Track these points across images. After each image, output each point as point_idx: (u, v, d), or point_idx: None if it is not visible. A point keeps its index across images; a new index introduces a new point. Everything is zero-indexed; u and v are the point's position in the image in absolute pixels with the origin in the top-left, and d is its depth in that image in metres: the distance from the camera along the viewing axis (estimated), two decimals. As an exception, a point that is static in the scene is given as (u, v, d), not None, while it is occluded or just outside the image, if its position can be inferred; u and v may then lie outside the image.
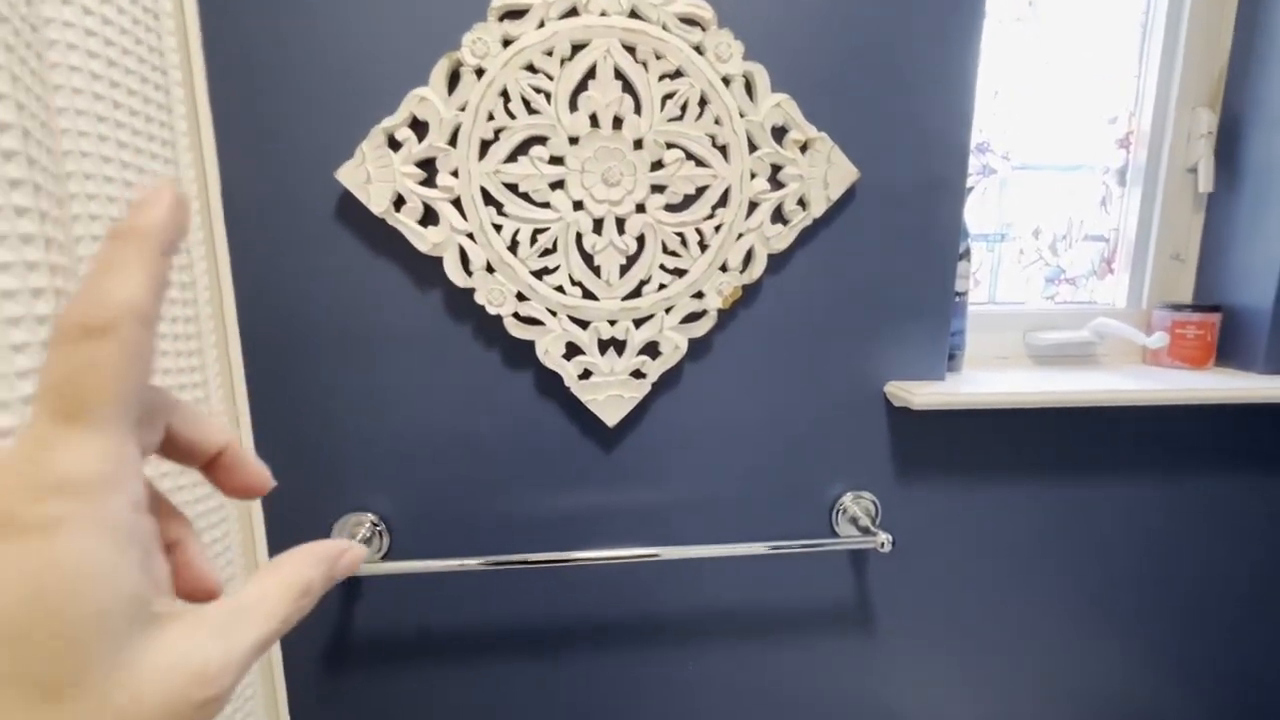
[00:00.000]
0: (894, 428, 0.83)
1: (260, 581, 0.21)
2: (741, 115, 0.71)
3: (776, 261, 0.76)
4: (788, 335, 0.78)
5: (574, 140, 0.69)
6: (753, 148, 0.72)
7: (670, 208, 0.72)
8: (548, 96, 0.68)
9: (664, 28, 0.67)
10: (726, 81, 0.70)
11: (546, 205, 0.70)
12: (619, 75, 0.68)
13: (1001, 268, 1.01)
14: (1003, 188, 0.98)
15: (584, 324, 0.73)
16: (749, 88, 0.71)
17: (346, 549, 0.25)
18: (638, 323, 0.74)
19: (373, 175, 0.67)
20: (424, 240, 0.69)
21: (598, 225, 0.71)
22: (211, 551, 0.64)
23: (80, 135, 0.48)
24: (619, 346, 0.75)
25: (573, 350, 0.74)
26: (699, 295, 0.74)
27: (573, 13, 0.67)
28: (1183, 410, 0.88)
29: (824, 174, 0.73)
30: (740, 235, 0.73)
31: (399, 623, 0.80)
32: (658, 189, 0.72)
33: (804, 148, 0.73)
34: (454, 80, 0.67)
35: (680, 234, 0.73)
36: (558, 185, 0.70)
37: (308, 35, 0.66)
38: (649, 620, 0.84)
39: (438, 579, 0.80)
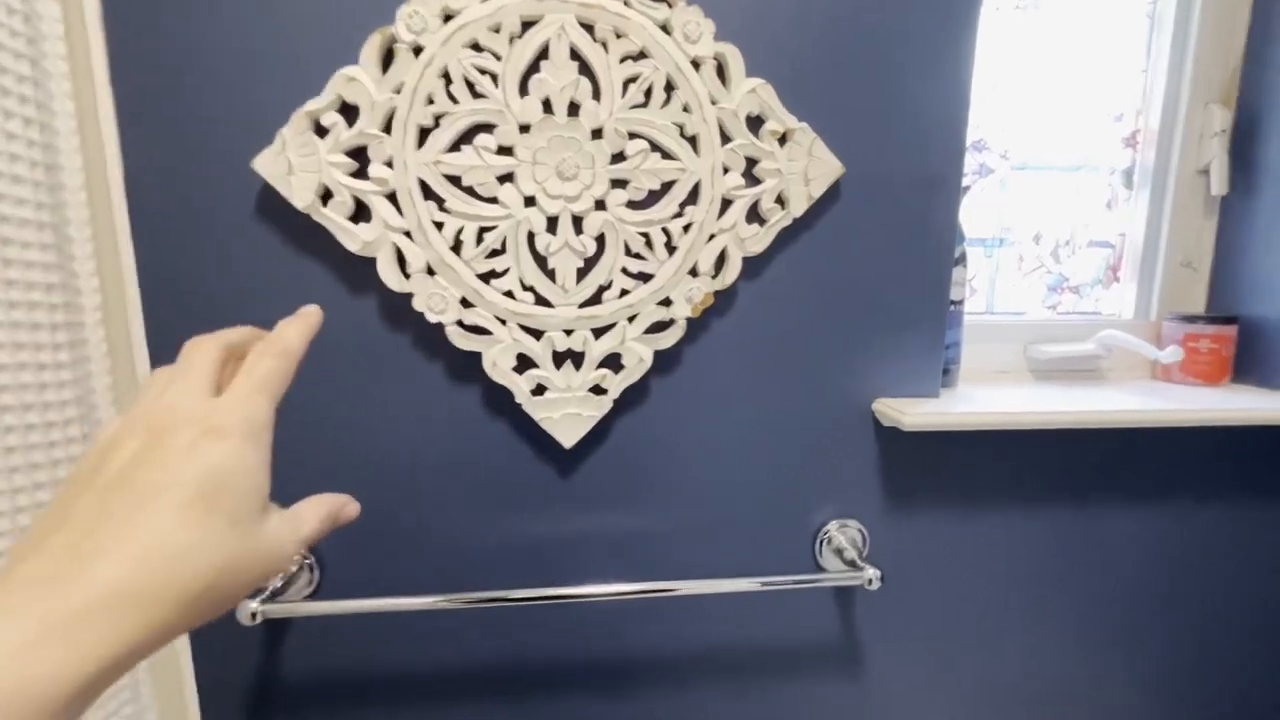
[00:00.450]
0: (883, 449, 0.75)
1: (301, 505, 0.33)
2: (713, 102, 0.63)
3: (753, 265, 0.68)
4: (765, 347, 0.71)
5: (524, 128, 0.62)
6: (725, 139, 0.65)
7: (633, 205, 0.65)
8: (494, 78, 0.60)
9: (625, 3, 0.60)
10: (696, 64, 0.62)
11: (494, 200, 0.63)
12: (575, 55, 0.61)
13: (1000, 275, 0.93)
14: (1001, 189, 0.91)
15: (537, 334, 0.66)
16: (721, 72, 0.64)
17: (346, 502, 0.36)
18: (597, 333, 0.67)
19: (295, 165, 0.59)
20: (354, 239, 0.61)
21: (552, 224, 0.64)
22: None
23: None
24: (576, 359, 0.67)
25: (525, 363, 0.66)
26: (666, 302, 0.67)
27: (522, -16, 0.59)
28: (1198, 431, 0.80)
29: (805, 169, 0.66)
30: (712, 236, 0.66)
31: (330, 670, 0.72)
32: (619, 184, 0.64)
33: (783, 139, 0.66)
34: (388, 59, 0.60)
35: (644, 234, 0.65)
36: (506, 178, 0.62)
37: (221, 6, 0.59)
38: (614, 661, 0.76)
39: (375, 620, 0.71)
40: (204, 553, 0.24)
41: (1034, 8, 0.87)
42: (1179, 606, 0.85)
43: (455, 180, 0.62)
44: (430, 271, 0.63)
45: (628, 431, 0.71)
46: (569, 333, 0.66)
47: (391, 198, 0.61)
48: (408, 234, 0.62)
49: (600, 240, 0.65)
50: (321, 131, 0.60)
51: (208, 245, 0.62)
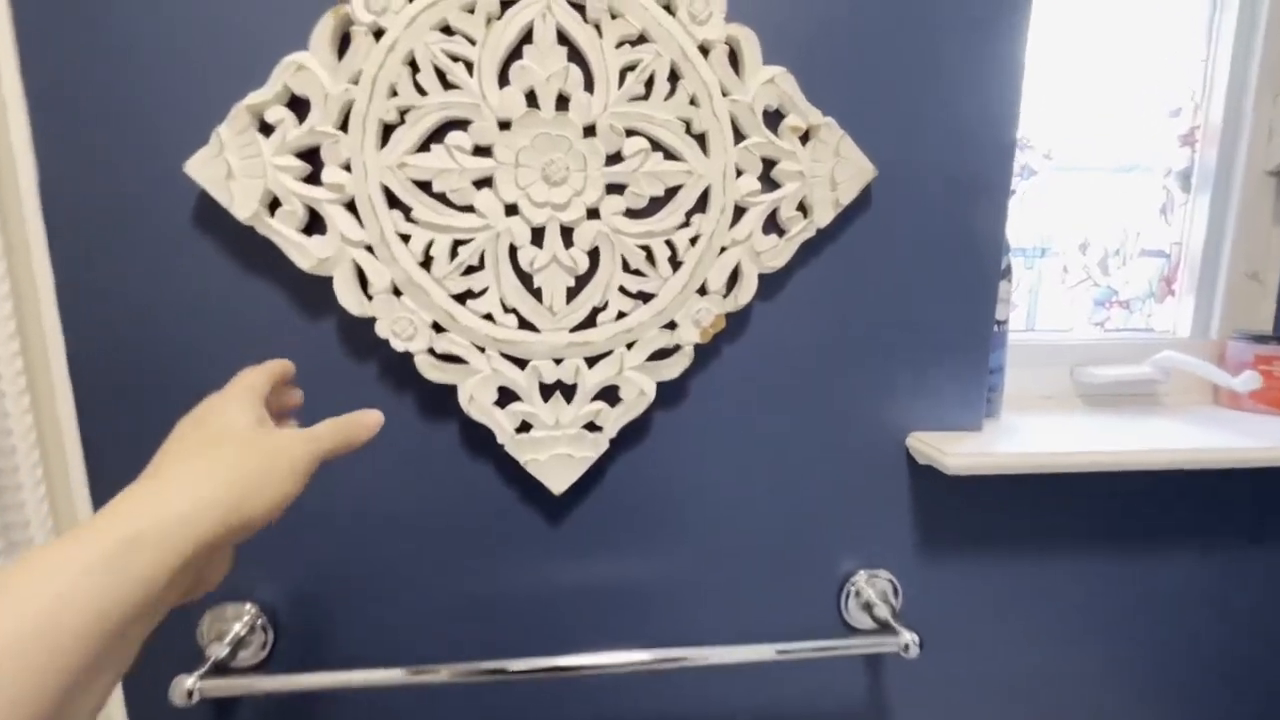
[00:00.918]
0: (917, 490, 0.66)
1: (320, 425, 0.36)
2: (724, 94, 0.54)
3: (770, 283, 0.59)
4: (784, 376, 0.62)
5: (505, 125, 0.53)
6: (739, 136, 0.56)
7: (632, 213, 0.56)
8: (469, 67, 0.52)
9: (622, -23, 0.51)
10: (704, 50, 0.54)
11: (469, 209, 0.54)
12: (563, 40, 0.52)
13: (1042, 288, 0.84)
14: (1044, 193, 0.82)
15: (521, 363, 0.57)
16: (734, 59, 0.55)
17: (363, 416, 0.39)
18: (591, 361, 0.58)
19: (236, 169, 0.51)
20: (306, 255, 0.52)
21: (537, 235, 0.55)
22: None
23: None
24: (567, 392, 0.58)
25: (507, 396, 0.57)
26: (671, 326, 0.58)
27: (500, -44, 0.51)
28: (1275, 469, 0.71)
29: (831, 171, 0.57)
30: (723, 249, 0.57)
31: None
32: (615, 189, 0.55)
33: (805, 137, 0.57)
34: (343, 44, 0.51)
35: (645, 247, 0.56)
36: (484, 183, 0.54)
37: (148, -17, 0.50)
38: (611, 731, 0.67)
39: (335, 698, 0.62)
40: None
41: (1082, -10, 0.78)
42: (1252, 663, 0.76)
43: (424, 186, 0.53)
44: (396, 292, 0.54)
45: (626, 474, 0.62)
46: (558, 362, 0.57)
47: (350, 206, 0.53)
48: (369, 248, 0.53)
49: (594, 255, 0.56)
50: (266, 129, 0.51)
51: (136, 262, 0.54)
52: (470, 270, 0.55)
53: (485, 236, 0.54)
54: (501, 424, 0.57)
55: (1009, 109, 0.59)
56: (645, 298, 0.57)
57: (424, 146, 0.53)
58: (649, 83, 0.53)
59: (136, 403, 0.56)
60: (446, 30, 0.51)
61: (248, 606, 0.60)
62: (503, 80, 0.52)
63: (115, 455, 0.56)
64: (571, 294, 0.56)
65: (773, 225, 0.58)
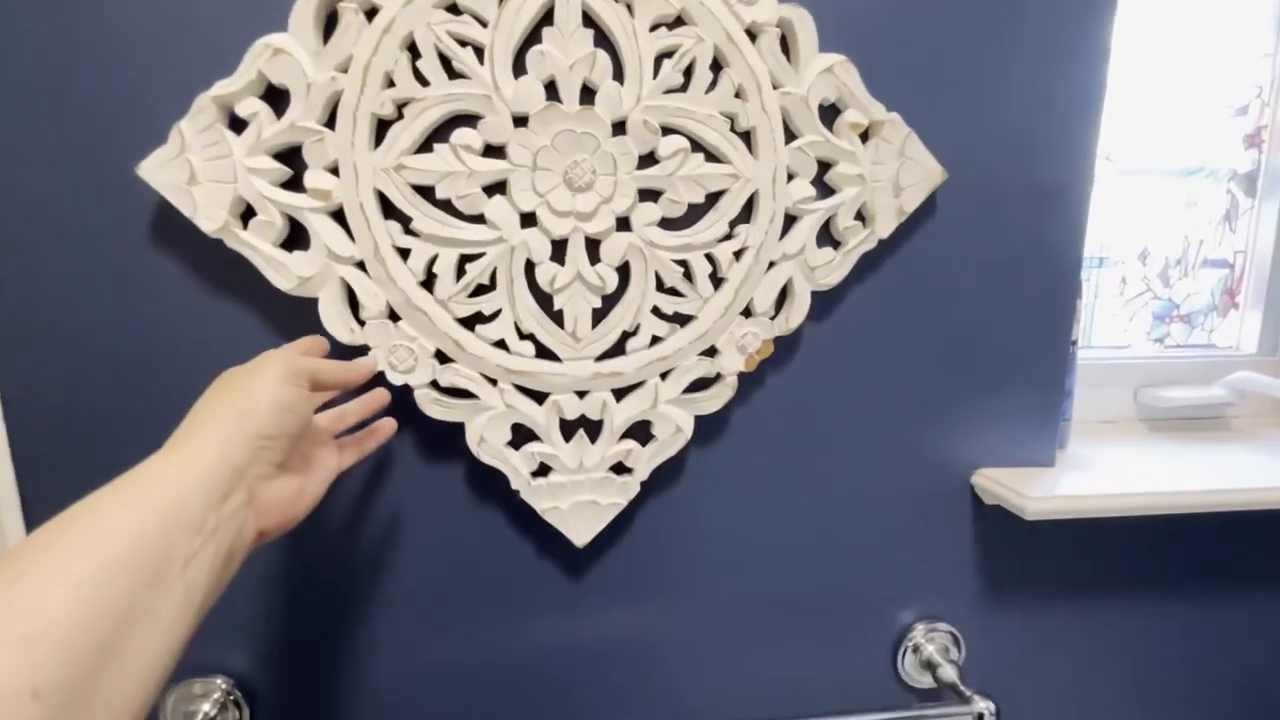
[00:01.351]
0: (981, 532, 0.59)
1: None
2: (775, 85, 0.47)
3: (824, 302, 0.52)
4: (836, 407, 0.54)
5: (521, 121, 0.45)
6: (791, 135, 0.48)
7: (668, 223, 0.48)
8: (479, 52, 0.44)
9: (658, -53, 0.44)
10: (753, 35, 0.46)
11: (479, 219, 0.46)
12: (589, 21, 0.45)
13: (1099, 302, 0.77)
14: (1104, 198, 0.75)
15: (539, 397, 0.49)
16: (786, 45, 0.47)
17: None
18: (620, 394, 0.50)
19: (200, 172, 0.43)
20: (286, 273, 0.44)
21: (559, 250, 0.47)
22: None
23: None
24: (592, 430, 0.50)
25: (523, 435, 0.49)
26: (711, 353, 0.50)
27: (516, -79, 0.43)
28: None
29: (895, 174, 0.49)
30: (772, 264, 0.49)
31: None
32: (649, 195, 0.47)
33: (865, 136, 0.49)
34: (330, 24, 0.43)
35: (682, 262, 0.48)
36: (496, 189, 0.46)
37: (95, -49, 0.42)
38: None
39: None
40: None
41: (1144, -23, 0.71)
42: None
43: (426, 192, 0.45)
44: (393, 316, 0.46)
45: (657, 520, 0.54)
46: (582, 395, 0.49)
47: (338, 216, 0.45)
48: (361, 265, 0.45)
49: (623, 271, 0.48)
50: (237, 125, 0.43)
51: (83, 278, 0.46)
52: (480, 290, 0.47)
53: (498, 251, 0.46)
54: (516, 467, 0.49)
55: (1091, 110, 0.52)
56: (683, 320, 0.49)
57: (425, 146, 0.45)
58: (688, 72, 0.46)
59: (78, 431, 0.47)
60: (453, 9, 0.43)
61: (218, 681, 0.52)
62: (518, 68, 0.45)
63: (50, 485, 0.47)
64: (598, 317, 0.48)
65: (827, 236, 0.51)
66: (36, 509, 0.48)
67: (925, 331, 0.54)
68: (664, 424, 0.50)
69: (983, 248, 0.53)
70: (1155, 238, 0.77)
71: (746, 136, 0.48)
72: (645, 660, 0.56)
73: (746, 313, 0.50)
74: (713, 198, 0.48)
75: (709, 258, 0.49)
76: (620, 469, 0.51)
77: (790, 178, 0.48)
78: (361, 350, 0.46)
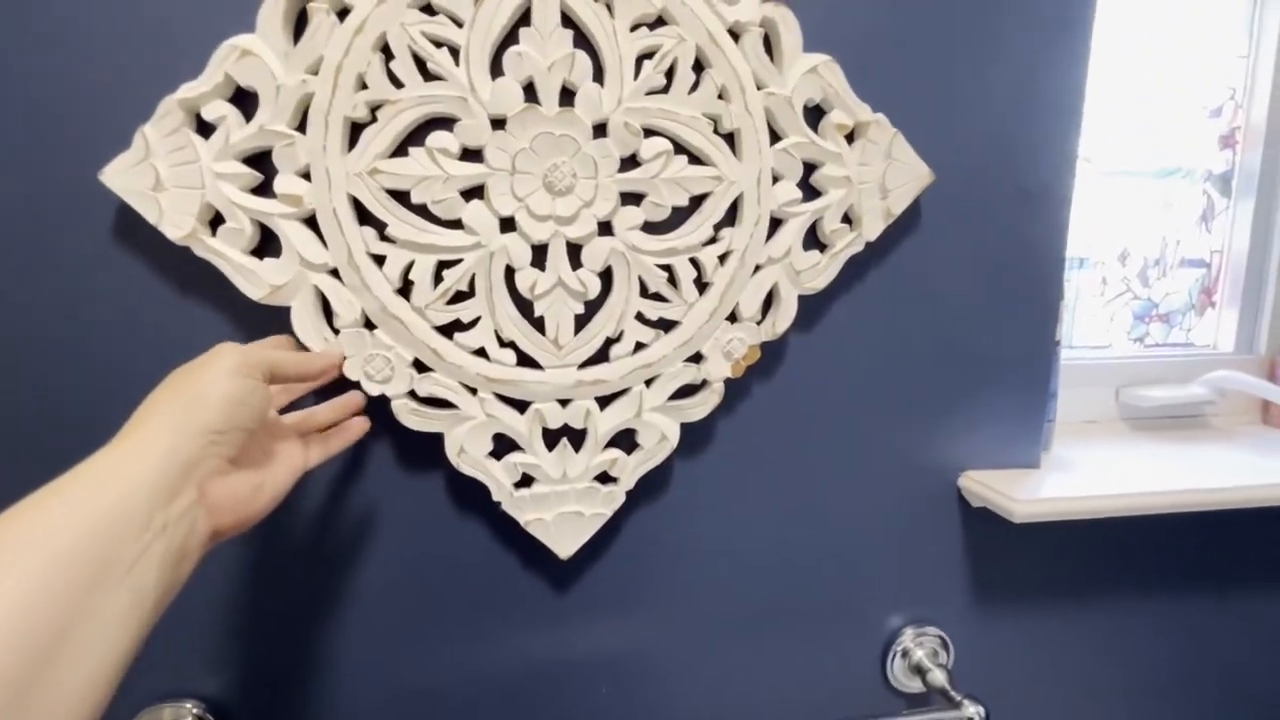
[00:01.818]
0: (969, 536, 0.59)
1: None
2: (759, 86, 0.46)
3: (811, 306, 0.51)
4: (824, 412, 0.54)
5: (499, 123, 0.44)
6: (776, 136, 0.47)
7: (651, 227, 0.47)
8: (455, 53, 0.43)
9: (638, -54, 0.43)
10: (735, 35, 0.45)
11: (457, 225, 0.45)
12: (568, 21, 0.44)
13: (1079, 302, 0.77)
14: (1083, 199, 0.75)
15: (521, 406, 0.48)
16: (770, 45, 0.47)
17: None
18: (604, 402, 0.49)
19: (166, 178, 0.41)
20: (257, 281, 0.43)
21: (539, 255, 0.46)
22: None
23: None
24: (575, 439, 0.49)
25: (504, 445, 0.48)
26: (696, 359, 0.49)
27: (492, -82, 0.42)
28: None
29: (882, 176, 0.49)
30: (758, 268, 0.49)
31: None
32: (631, 199, 0.47)
33: (851, 137, 0.49)
34: (300, 24, 0.42)
35: (667, 266, 0.48)
36: (474, 193, 0.45)
37: (51, -52, 0.40)
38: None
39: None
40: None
41: (1120, -20, 0.72)
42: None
43: (401, 197, 0.44)
44: (369, 324, 0.45)
45: (643, 530, 0.53)
46: (565, 404, 0.48)
47: (310, 222, 0.43)
48: (335, 273, 0.44)
49: (606, 277, 0.47)
50: (205, 129, 0.42)
51: (42, 288, 0.44)
52: (458, 297, 0.46)
53: (476, 257, 0.45)
54: (498, 478, 0.48)
55: (1072, 112, 0.52)
56: (667, 326, 0.49)
57: (400, 150, 0.44)
58: (670, 73, 0.45)
59: (39, 443, 0.45)
60: (427, 9, 0.42)
61: (189, 705, 0.50)
62: (496, 70, 0.44)
63: (9, 496, 0.45)
64: (580, 323, 0.47)
65: (814, 239, 0.50)
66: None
67: (911, 334, 0.54)
68: (649, 432, 0.49)
69: (967, 250, 0.53)
70: (1134, 238, 0.78)
71: (730, 138, 0.47)
72: (634, 672, 0.55)
73: (732, 318, 0.49)
74: (696, 201, 0.47)
75: (693, 262, 0.48)
76: (605, 479, 0.50)
77: (775, 180, 0.48)
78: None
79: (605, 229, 0.46)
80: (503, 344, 0.47)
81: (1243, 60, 0.75)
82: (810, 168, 0.49)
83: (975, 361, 0.55)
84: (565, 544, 0.50)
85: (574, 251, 0.46)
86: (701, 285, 0.48)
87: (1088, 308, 0.78)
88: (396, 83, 0.42)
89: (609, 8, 0.44)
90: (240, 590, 0.49)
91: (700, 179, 0.47)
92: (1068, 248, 0.56)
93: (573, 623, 0.53)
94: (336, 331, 0.44)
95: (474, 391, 0.47)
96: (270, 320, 0.44)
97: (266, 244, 0.44)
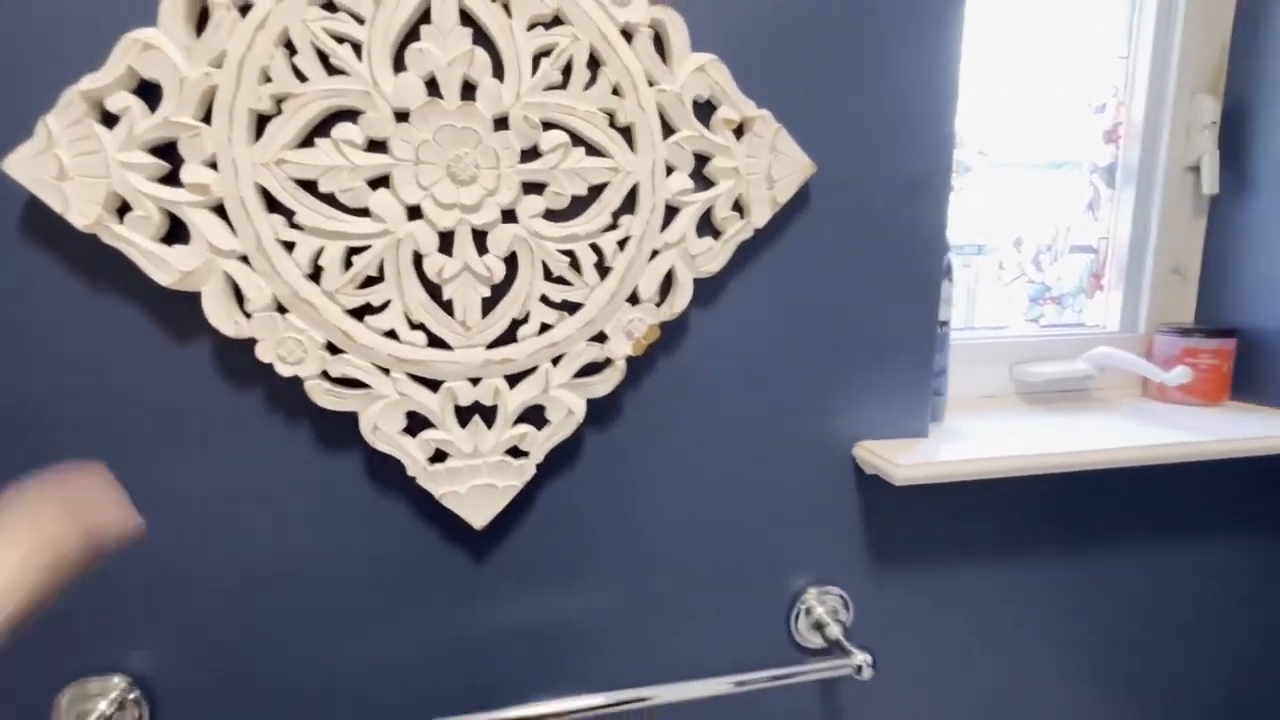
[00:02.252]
0: (866, 501, 0.63)
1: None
2: (651, 83, 0.49)
3: (706, 288, 0.55)
4: (723, 388, 0.57)
5: (402, 116, 0.46)
6: (669, 130, 0.51)
7: (553, 215, 0.50)
8: (357, 49, 0.45)
9: (531, -50, 0.46)
10: (627, 34, 0.49)
11: (364, 213, 0.47)
12: (467, 19, 0.46)
13: (978, 286, 0.83)
14: (980, 189, 0.81)
15: (433, 385, 0.50)
16: (660, 45, 0.50)
17: None
18: (512, 380, 0.52)
19: (70, 167, 0.42)
20: (166, 268, 0.44)
21: (445, 241, 0.49)
22: None
23: None
24: (486, 415, 0.52)
25: (418, 423, 0.51)
26: (600, 338, 0.53)
27: (389, -79, 0.44)
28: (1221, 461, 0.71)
29: (768, 167, 0.53)
30: (655, 253, 0.52)
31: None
32: (533, 188, 0.49)
33: (739, 131, 0.52)
34: (202, 19, 0.44)
35: (569, 252, 0.51)
36: (381, 182, 0.47)
37: (-53, -59, 0.41)
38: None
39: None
40: None
41: (1009, -15, 0.77)
42: (1208, 661, 0.76)
43: (309, 186, 0.46)
44: (280, 309, 0.47)
45: (557, 502, 0.56)
46: (475, 382, 0.51)
47: (219, 210, 0.45)
48: (245, 259, 0.46)
49: (511, 261, 0.50)
50: (109, 120, 0.43)
51: (-49, 280, 0.45)
52: (369, 282, 0.48)
53: (384, 243, 0.47)
54: (412, 454, 0.51)
55: (947, 99, 0.57)
56: (571, 308, 0.52)
57: (307, 141, 0.46)
58: (566, 70, 0.48)
59: None
60: (329, 6, 0.44)
61: (115, 680, 0.51)
62: (398, 65, 0.46)
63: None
64: (488, 306, 0.50)
65: (707, 226, 0.54)
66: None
67: (804, 314, 0.58)
68: (556, 408, 0.52)
69: (854, 235, 0.57)
70: (1028, 226, 0.84)
71: (626, 132, 0.50)
72: (552, 635, 0.58)
73: (633, 300, 0.53)
74: (595, 190, 0.50)
75: (594, 248, 0.51)
76: (516, 452, 0.53)
77: (669, 171, 0.51)
78: (249, 343, 0.46)
79: (509, 216, 0.49)
80: (413, 326, 0.49)
81: (1123, 61, 0.81)
82: (702, 159, 0.52)
83: (865, 340, 0.60)
84: (479, 515, 0.53)
85: (480, 238, 0.49)
86: (603, 269, 0.51)
87: (987, 291, 0.84)
88: (300, 76, 0.44)
89: (506, 7, 0.47)
90: (167, 568, 0.51)
91: (598, 170, 0.50)
92: (948, 234, 0.60)
93: (490, 592, 0.56)
94: (248, 315, 0.46)
95: (386, 372, 0.49)
96: (182, 304, 0.46)
97: (176, 232, 0.45)
